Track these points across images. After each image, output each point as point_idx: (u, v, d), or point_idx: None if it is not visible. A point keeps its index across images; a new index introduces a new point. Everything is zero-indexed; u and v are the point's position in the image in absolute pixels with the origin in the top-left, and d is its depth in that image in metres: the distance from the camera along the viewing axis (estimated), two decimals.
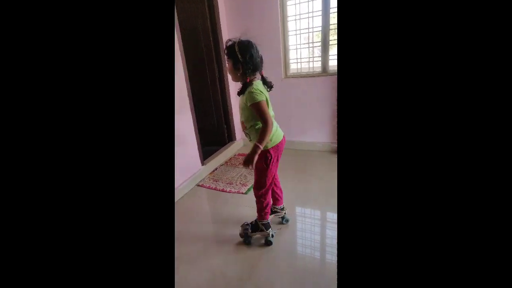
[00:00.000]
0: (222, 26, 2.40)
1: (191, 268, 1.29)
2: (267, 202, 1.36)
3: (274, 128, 1.20)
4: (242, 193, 1.94)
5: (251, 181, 2.08)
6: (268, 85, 1.23)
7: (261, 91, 1.14)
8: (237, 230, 1.48)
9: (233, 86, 2.68)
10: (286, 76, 2.48)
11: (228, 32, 2.50)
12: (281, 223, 1.53)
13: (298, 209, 1.71)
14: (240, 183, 2.07)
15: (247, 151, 2.82)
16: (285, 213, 1.54)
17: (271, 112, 1.19)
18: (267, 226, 1.39)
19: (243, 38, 1.13)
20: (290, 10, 2.29)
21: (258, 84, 1.17)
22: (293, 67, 2.49)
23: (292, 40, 2.39)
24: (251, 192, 1.93)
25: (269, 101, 1.19)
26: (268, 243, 1.37)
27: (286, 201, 1.59)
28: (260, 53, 1.17)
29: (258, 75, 1.20)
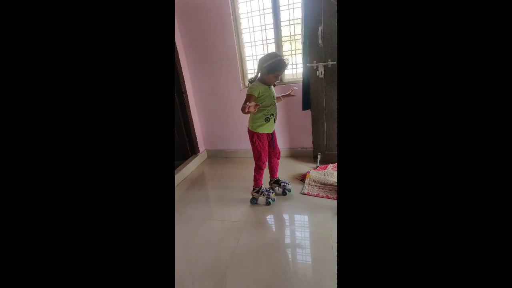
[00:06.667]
0: (176, 33, 2.37)
1: None
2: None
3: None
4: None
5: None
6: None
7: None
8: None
9: (192, 97, 2.64)
10: (245, 87, 2.53)
11: (183, 43, 2.48)
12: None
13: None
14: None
15: (211, 162, 2.74)
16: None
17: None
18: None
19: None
20: (244, 23, 2.36)
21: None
22: (251, 75, 2.55)
23: (248, 52, 2.46)
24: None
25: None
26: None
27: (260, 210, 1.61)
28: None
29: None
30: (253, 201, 1.82)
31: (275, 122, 1.69)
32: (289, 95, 1.75)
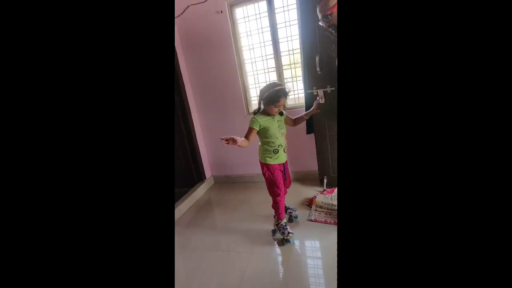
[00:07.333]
0: (181, 64, 2.51)
1: None
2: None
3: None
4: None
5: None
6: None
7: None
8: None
9: (199, 125, 2.72)
10: (249, 113, 2.60)
11: (187, 71, 2.60)
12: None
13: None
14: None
15: (218, 188, 2.75)
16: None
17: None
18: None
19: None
20: (246, 55, 2.48)
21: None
22: (255, 102, 2.63)
23: (250, 80, 2.55)
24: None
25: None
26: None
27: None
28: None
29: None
30: (274, 233, 1.74)
31: (285, 152, 1.64)
32: (313, 111, 1.68)
